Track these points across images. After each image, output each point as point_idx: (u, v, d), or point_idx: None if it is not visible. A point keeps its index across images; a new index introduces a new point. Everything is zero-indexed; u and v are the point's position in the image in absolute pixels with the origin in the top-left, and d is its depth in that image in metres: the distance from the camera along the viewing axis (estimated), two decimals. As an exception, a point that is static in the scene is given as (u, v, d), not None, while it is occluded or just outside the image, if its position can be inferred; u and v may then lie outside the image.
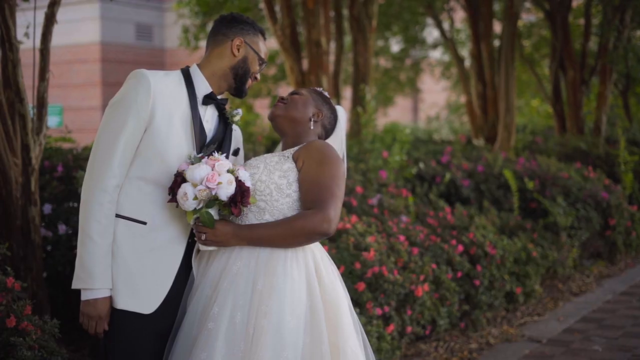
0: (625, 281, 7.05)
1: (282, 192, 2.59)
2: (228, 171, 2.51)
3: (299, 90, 2.91)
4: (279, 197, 2.59)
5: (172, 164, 2.59)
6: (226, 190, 2.47)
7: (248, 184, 2.53)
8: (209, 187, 2.46)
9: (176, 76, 2.71)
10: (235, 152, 2.87)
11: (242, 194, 2.50)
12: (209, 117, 2.74)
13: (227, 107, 2.82)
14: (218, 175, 2.47)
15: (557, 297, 6.34)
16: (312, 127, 2.80)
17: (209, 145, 2.71)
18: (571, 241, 6.92)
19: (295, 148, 2.70)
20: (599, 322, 5.58)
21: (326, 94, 2.96)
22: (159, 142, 2.58)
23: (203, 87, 2.72)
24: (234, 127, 2.88)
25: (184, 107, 2.65)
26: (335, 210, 2.56)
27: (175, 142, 2.61)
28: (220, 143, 2.76)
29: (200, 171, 2.48)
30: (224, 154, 2.62)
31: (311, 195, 2.57)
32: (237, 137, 2.89)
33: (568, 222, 6.79)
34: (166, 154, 2.58)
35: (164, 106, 2.59)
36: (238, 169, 2.54)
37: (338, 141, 2.90)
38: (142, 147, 2.58)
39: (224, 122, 2.81)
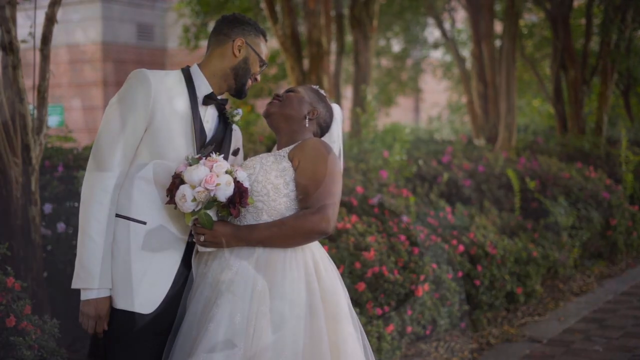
0: (626, 281, 7.05)
1: (280, 192, 2.58)
2: (226, 172, 2.50)
3: (295, 88, 2.90)
4: (277, 197, 2.58)
5: (172, 164, 2.59)
6: (225, 192, 2.47)
7: (246, 184, 2.52)
8: (207, 189, 2.46)
9: (176, 76, 2.70)
10: (235, 152, 2.87)
11: (240, 195, 2.49)
12: (209, 117, 2.73)
13: (228, 107, 2.82)
14: (216, 177, 2.47)
15: (557, 297, 6.33)
16: (307, 125, 2.79)
17: (208, 145, 2.70)
18: (572, 241, 6.92)
19: (291, 147, 2.69)
20: (599, 322, 5.57)
21: (322, 92, 2.95)
22: (159, 142, 2.58)
23: (203, 87, 2.71)
24: (234, 127, 2.87)
25: (184, 107, 2.64)
26: (333, 209, 2.55)
27: (176, 142, 2.60)
28: (220, 143, 2.76)
29: (198, 172, 2.47)
30: (222, 155, 2.62)
31: (308, 195, 2.56)
32: (237, 137, 2.88)
33: (569, 222, 6.79)
34: (166, 154, 2.58)
35: (164, 106, 2.59)
36: (236, 170, 2.54)
37: (334, 138, 2.89)
38: (142, 146, 2.58)
39: (224, 122, 2.80)
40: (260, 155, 2.75)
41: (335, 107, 2.95)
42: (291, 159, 2.63)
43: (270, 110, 2.82)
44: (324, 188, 2.55)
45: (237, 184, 2.50)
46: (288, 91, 2.89)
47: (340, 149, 2.94)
